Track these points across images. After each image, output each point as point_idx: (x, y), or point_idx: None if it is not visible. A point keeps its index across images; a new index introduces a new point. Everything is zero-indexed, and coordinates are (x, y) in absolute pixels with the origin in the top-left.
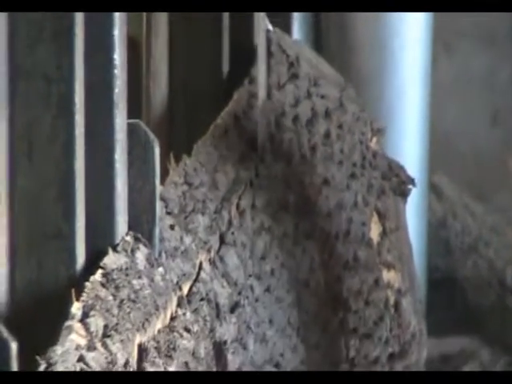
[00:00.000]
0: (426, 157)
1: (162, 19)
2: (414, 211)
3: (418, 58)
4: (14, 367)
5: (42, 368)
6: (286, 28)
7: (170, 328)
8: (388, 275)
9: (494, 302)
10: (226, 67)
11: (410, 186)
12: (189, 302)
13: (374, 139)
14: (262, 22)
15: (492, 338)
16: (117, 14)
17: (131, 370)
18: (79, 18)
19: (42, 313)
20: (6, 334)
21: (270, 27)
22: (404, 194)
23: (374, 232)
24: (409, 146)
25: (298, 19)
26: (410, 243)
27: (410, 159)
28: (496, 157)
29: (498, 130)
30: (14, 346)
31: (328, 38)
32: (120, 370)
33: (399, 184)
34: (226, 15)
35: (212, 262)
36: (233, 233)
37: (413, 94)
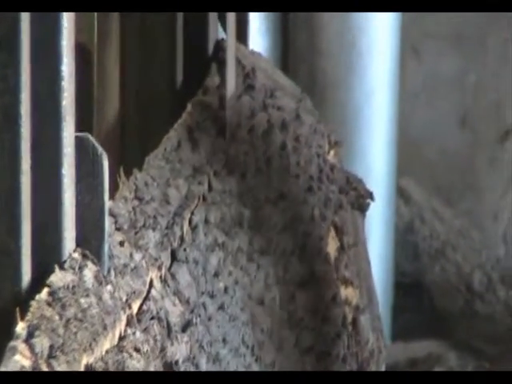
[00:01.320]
0: (393, 160)
1: (114, 26)
2: (381, 215)
3: (386, 60)
4: None
5: None
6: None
7: (118, 348)
8: (346, 291)
9: (461, 307)
10: (179, 77)
11: (369, 201)
12: (139, 320)
13: (332, 152)
14: (216, 31)
15: (460, 342)
16: (65, 23)
17: None
18: (25, 25)
19: None
20: None
21: (224, 36)
22: (362, 209)
23: (332, 247)
24: (376, 150)
25: (265, 20)
26: (369, 259)
27: (377, 163)
28: (464, 160)
29: (466, 132)
30: None
31: (295, 39)
32: None
33: (357, 198)
34: (179, 22)
35: (163, 280)
36: (185, 249)
37: (381, 97)
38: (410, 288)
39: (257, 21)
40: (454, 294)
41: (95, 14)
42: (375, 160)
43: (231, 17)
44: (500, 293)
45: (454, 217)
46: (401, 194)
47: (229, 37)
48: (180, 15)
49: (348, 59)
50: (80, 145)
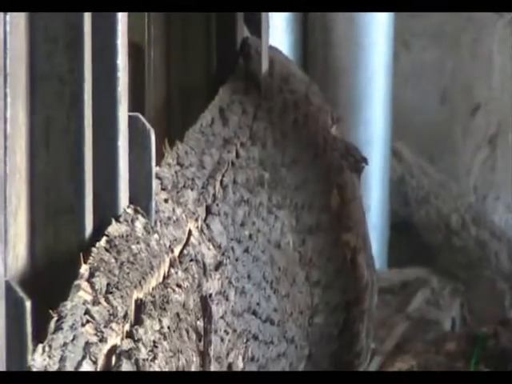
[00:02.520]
0: (389, 128)
1: (160, 29)
2: (379, 171)
3: (383, 52)
4: (29, 323)
5: (53, 321)
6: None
7: (164, 285)
8: (345, 236)
9: (441, 241)
10: (214, 67)
11: (363, 164)
12: (180, 262)
13: (334, 126)
14: (242, 31)
15: (440, 268)
16: (119, 26)
17: (129, 321)
18: (87, 28)
19: (56, 274)
20: (21, 293)
21: (249, 35)
22: (358, 171)
23: (334, 201)
24: (376, 120)
25: (289, 21)
26: (364, 210)
27: (377, 130)
28: (444, 128)
29: (445, 107)
30: (27, 304)
31: (313, 36)
32: (119, 322)
33: (355, 163)
34: (213, 24)
35: (200, 229)
36: (217, 204)
37: (379, 80)
38: (401, 227)
39: (283, 22)
40: (435, 232)
41: (145, 16)
42: (375, 128)
43: (264, 16)
44: (471, 231)
45: (435, 172)
46: (395, 154)
47: (263, 33)
48: (213, 18)
49: (354, 52)
50: (132, 122)
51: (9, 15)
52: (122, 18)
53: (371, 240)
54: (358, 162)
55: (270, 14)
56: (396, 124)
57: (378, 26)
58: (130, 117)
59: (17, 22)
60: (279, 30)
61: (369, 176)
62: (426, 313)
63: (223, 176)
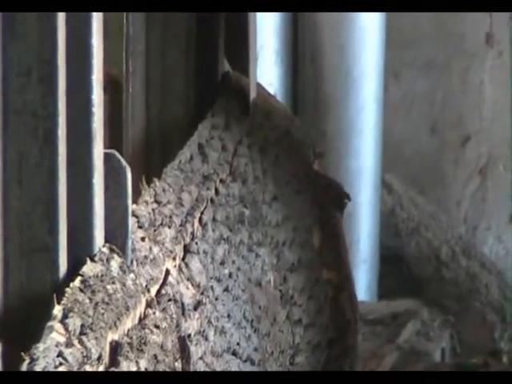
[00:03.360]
0: (379, 159)
1: (139, 62)
2: (370, 202)
3: (373, 83)
4: None
5: (25, 364)
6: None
7: (141, 325)
8: (327, 274)
9: (431, 273)
10: (193, 103)
11: (346, 201)
12: (158, 302)
13: (316, 162)
14: (223, 65)
15: (430, 300)
16: (95, 60)
17: (104, 363)
18: (61, 63)
19: (29, 315)
20: None
21: (230, 69)
22: (341, 207)
23: (316, 238)
24: (366, 151)
25: (278, 52)
26: (347, 247)
27: (367, 161)
28: (434, 159)
29: (435, 138)
30: None
31: (303, 68)
32: (93, 364)
33: (337, 199)
34: (193, 61)
35: (178, 268)
36: (196, 243)
37: (370, 112)
38: (391, 259)
39: (273, 55)
40: (426, 264)
41: (124, 49)
42: (366, 159)
43: (251, 50)
44: (461, 262)
45: (426, 203)
46: (385, 185)
47: (251, 67)
48: (193, 51)
49: (344, 84)
50: (108, 160)
51: None
52: (97, 51)
53: (362, 272)
54: (340, 198)
55: (259, 46)
56: (386, 155)
57: (368, 57)
58: (105, 154)
59: None
60: (269, 62)
61: (359, 208)
62: (416, 344)
63: (202, 214)
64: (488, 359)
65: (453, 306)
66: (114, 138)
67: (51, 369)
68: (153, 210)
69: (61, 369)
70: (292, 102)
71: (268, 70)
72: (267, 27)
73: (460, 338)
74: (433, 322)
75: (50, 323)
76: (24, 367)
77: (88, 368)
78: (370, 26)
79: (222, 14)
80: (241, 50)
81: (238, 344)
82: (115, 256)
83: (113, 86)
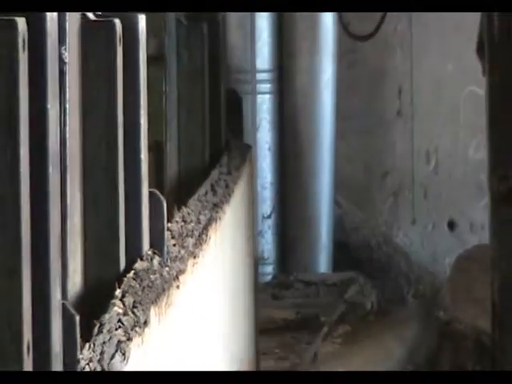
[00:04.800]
0: (333, 188)
1: (173, 131)
2: (327, 213)
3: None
4: (77, 330)
5: (96, 327)
6: None
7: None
8: None
9: (366, 255)
10: (207, 159)
11: None
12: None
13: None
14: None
15: (365, 272)
16: (142, 135)
17: (149, 327)
18: (120, 141)
19: (99, 296)
20: (72, 310)
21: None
22: None
23: None
24: (327, 184)
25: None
26: None
27: (326, 189)
28: (366, 186)
29: (367, 173)
30: (77, 318)
31: (287, 164)
32: (141, 326)
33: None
34: (207, 132)
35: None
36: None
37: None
38: (341, 246)
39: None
40: (362, 249)
41: (163, 126)
42: (325, 188)
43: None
44: (383, 248)
45: (361, 213)
46: (336, 202)
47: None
48: (207, 127)
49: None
50: (152, 196)
51: None
52: (143, 128)
53: (323, 255)
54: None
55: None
56: (337, 184)
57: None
58: (150, 192)
59: None
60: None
61: (321, 216)
62: (356, 299)
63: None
64: (400, 308)
65: (378, 275)
66: (157, 181)
67: (113, 330)
68: (181, 226)
69: (119, 330)
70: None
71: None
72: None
73: (382, 295)
74: (366, 285)
75: (113, 301)
76: (95, 329)
77: (138, 329)
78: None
79: (223, 100)
80: (237, 127)
81: None
82: (156, 256)
83: (157, 147)
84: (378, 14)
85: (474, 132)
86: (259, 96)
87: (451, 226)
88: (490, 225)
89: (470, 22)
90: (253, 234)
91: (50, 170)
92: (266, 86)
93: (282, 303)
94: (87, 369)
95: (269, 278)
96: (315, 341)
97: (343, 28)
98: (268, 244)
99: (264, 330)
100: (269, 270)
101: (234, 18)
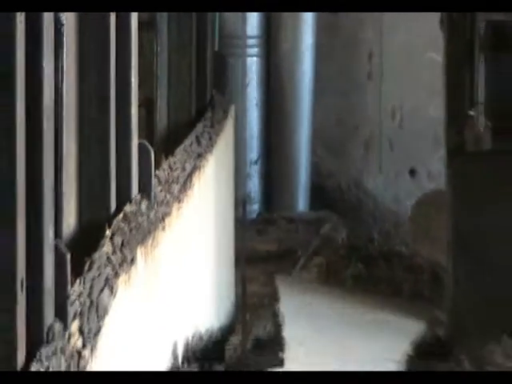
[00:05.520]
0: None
1: (163, 90)
2: (305, 164)
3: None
4: (68, 267)
5: (87, 264)
6: None
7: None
8: None
9: (338, 197)
10: (193, 112)
11: None
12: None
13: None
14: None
15: (337, 211)
16: (132, 92)
17: (135, 264)
18: (113, 95)
19: (91, 236)
20: (63, 249)
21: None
22: None
23: None
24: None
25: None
26: None
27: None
28: (341, 138)
29: (341, 126)
30: (68, 256)
31: None
32: (127, 264)
33: None
34: (194, 88)
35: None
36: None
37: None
38: (317, 189)
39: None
40: (335, 192)
41: (154, 85)
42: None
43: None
44: (353, 191)
45: (336, 161)
46: (315, 153)
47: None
48: (194, 86)
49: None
50: (141, 146)
51: None
52: (134, 86)
53: (302, 196)
54: None
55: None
56: (318, 139)
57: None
58: (139, 143)
59: None
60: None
61: (300, 161)
62: (330, 234)
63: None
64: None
65: (349, 215)
66: (148, 134)
67: (102, 267)
68: (167, 173)
69: (108, 267)
70: None
71: None
72: None
73: (352, 232)
74: (338, 223)
75: (102, 241)
76: (86, 266)
77: (125, 267)
78: None
79: (209, 62)
80: (222, 86)
81: None
82: (144, 200)
83: (149, 103)
84: None
85: (433, 93)
86: (248, 58)
87: (412, 173)
88: (445, 173)
89: None
90: (236, 179)
91: (45, 123)
92: (255, 50)
93: (266, 238)
94: (77, 303)
95: (255, 215)
96: (294, 270)
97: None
98: (255, 186)
99: (250, 259)
100: (255, 208)
101: None
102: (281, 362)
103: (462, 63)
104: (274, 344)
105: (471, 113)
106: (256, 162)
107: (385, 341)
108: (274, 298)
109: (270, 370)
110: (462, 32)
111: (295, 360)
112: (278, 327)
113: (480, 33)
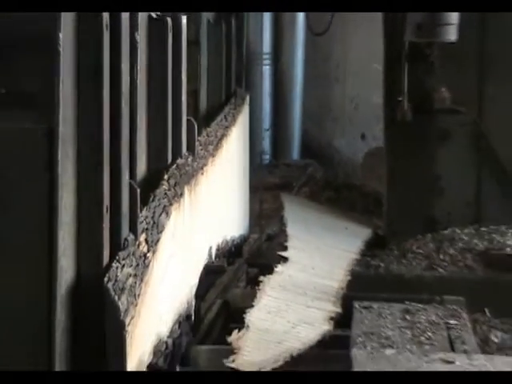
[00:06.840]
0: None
1: (204, 83)
2: (299, 129)
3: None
4: (138, 200)
5: (151, 197)
6: None
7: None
8: None
9: (317, 152)
10: (223, 98)
11: None
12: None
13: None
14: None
15: (319, 162)
16: (183, 85)
17: (182, 197)
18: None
19: (155, 179)
20: (135, 186)
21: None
22: None
23: None
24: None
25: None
26: None
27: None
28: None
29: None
30: (138, 191)
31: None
32: (177, 197)
33: None
34: (223, 83)
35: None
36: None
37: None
38: (306, 146)
39: None
40: (317, 149)
41: (198, 79)
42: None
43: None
44: (328, 150)
45: (319, 127)
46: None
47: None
48: (224, 82)
49: None
50: (189, 121)
51: None
52: (184, 80)
53: (297, 151)
54: None
55: None
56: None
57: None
58: (187, 119)
59: None
60: (262, 98)
61: (296, 129)
62: (313, 173)
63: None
64: (336, 178)
65: (324, 162)
66: (194, 113)
67: (162, 198)
68: (205, 139)
69: (165, 199)
70: None
71: None
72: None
73: (326, 172)
74: (318, 167)
75: (162, 182)
76: (150, 198)
77: (177, 199)
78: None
79: (233, 68)
80: (241, 83)
81: None
82: (190, 156)
83: (195, 94)
84: (328, 19)
85: (376, 87)
86: (264, 67)
87: (363, 137)
88: (383, 136)
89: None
90: (254, 141)
91: (123, 106)
92: (267, 61)
93: (273, 175)
94: (144, 222)
95: (267, 161)
96: (291, 194)
97: (308, 28)
98: (267, 144)
99: (264, 188)
100: (267, 157)
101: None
102: (284, 248)
103: (394, 67)
104: (280, 237)
105: (399, 98)
106: (268, 130)
107: (345, 238)
108: (280, 210)
109: (277, 252)
110: (394, 47)
111: (292, 247)
112: (282, 227)
113: (405, 48)
